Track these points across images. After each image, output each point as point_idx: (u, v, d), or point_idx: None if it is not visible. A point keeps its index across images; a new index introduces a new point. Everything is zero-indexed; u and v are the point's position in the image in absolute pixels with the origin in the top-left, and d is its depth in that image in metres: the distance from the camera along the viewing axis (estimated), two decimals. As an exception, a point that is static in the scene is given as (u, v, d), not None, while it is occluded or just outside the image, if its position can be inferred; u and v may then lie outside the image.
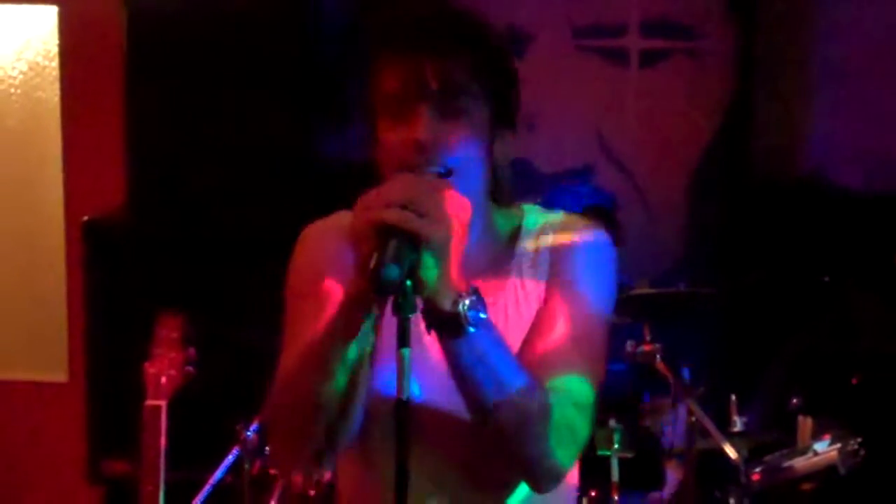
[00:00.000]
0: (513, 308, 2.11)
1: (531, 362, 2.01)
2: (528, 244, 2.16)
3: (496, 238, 2.16)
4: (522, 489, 2.11)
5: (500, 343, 1.94)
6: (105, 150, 5.35)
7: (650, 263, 5.27)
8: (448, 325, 1.88)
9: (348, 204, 1.98)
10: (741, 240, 5.39)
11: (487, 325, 1.89)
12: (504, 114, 2.11)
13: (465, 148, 2.02)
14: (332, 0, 5.34)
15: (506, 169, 2.14)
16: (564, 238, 2.16)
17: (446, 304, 1.85)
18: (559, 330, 2.06)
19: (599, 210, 4.67)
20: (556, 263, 2.13)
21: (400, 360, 1.76)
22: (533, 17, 5.32)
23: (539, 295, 2.12)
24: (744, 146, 5.46)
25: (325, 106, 5.22)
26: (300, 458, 2.09)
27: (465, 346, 1.89)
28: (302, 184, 5.14)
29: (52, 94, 5.44)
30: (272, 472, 3.99)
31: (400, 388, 1.76)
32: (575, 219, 2.22)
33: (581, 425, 2.03)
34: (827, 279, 5.02)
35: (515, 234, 2.18)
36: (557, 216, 2.22)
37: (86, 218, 5.24)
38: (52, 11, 5.42)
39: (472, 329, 1.87)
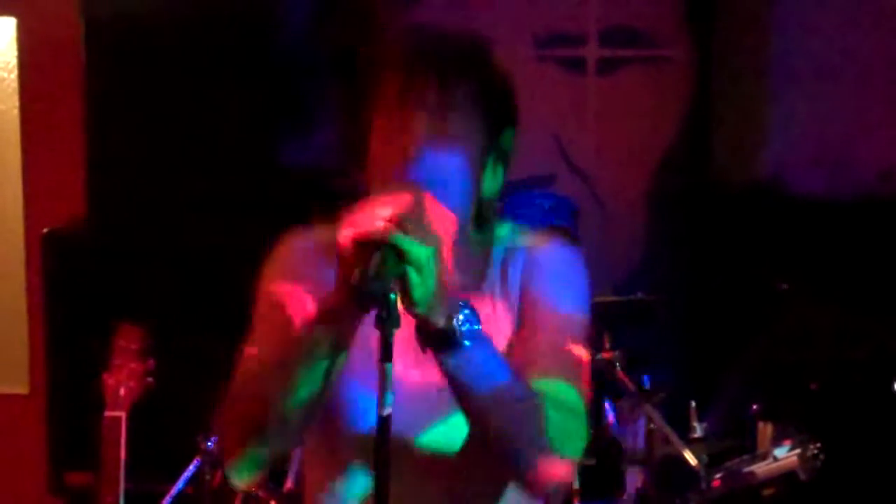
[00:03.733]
0: (486, 328, 2.12)
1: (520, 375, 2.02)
2: (497, 264, 2.18)
3: (469, 260, 2.15)
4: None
5: (494, 353, 1.95)
6: (65, 162, 5.33)
7: (609, 270, 5.28)
8: (443, 341, 1.88)
9: (316, 211, 1.99)
10: (701, 247, 5.41)
11: (482, 337, 1.90)
12: (497, 147, 2.12)
13: (450, 165, 2.02)
14: (293, 7, 5.33)
15: (492, 202, 2.16)
16: (531, 257, 2.17)
17: (440, 321, 1.86)
18: (541, 343, 2.08)
19: (560, 230, 4.67)
20: (525, 283, 2.15)
21: (382, 375, 1.77)
22: (492, 25, 5.33)
23: (512, 319, 2.13)
24: (703, 153, 5.48)
25: (290, 115, 5.22)
26: (250, 455, 2.08)
27: (462, 360, 1.89)
28: (265, 194, 5.14)
29: (10, 105, 5.42)
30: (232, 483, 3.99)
31: (381, 402, 1.77)
32: (541, 237, 2.24)
33: (579, 429, 2.04)
34: (786, 286, 5.04)
35: (486, 255, 2.18)
36: (525, 234, 2.23)
37: (46, 229, 5.22)
38: (11, 23, 5.40)
39: (467, 343, 1.88)
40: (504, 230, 2.22)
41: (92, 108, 5.25)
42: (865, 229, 5.25)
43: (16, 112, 5.43)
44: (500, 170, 2.14)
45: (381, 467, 1.78)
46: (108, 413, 3.81)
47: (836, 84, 5.38)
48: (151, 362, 3.89)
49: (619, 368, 4.22)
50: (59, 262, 5.19)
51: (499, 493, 2.10)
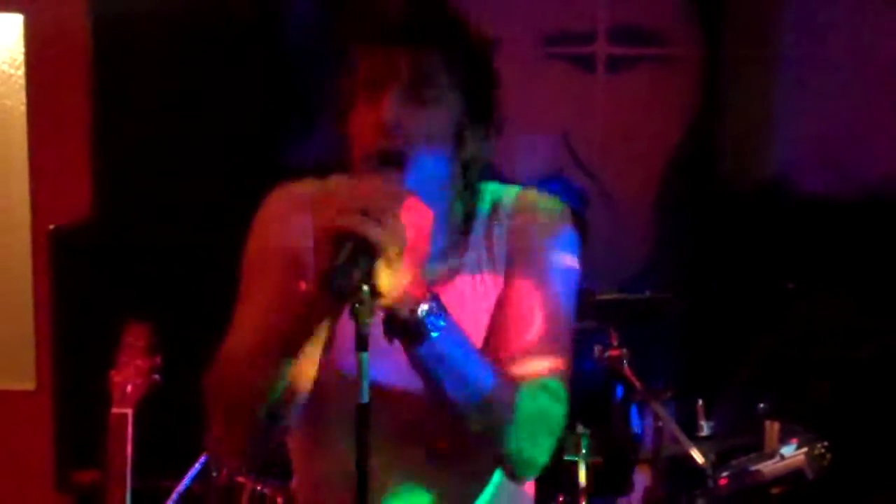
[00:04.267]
0: (471, 301, 2.12)
1: (498, 356, 2.02)
2: (483, 231, 2.16)
3: (452, 227, 2.15)
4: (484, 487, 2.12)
5: (463, 345, 1.94)
6: (71, 158, 5.33)
7: (617, 269, 5.28)
8: (408, 332, 1.88)
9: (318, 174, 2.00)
10: (707, 246, 5.40)
11: (449, 329, 1.90)
12: (478, 109, 2.11)
13: (430, 136, 2.02)
14: (299, 7, 5.33)
15: (476, 164, 2.14)
16: (521, 223, 2.16)
17: (404, 312, 1.86)
18: (523, 321, 2.07)
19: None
20: (513, 253, 2.14)
21: (359, 365, 1.77)
22: (501, 24, 5.33)
23: (498, 286, 2.12)
24: (710, 152, 5.47)
25: (295, 111, 5.22)
26: (239, 439, 2.07)
27: (428, 351, 1.89)
28: (269, 190, 5.13)
29: (18, 102, 5.42)
30: (239, 479, 3.99)
31: (360, 392, 1.77)
32: (531, 198, 2.23)
33: (555, 413, 2.04)
34: (792, 285, 5.03)
35: (469, 220, 2.18)
36: (512, 195, 2.22)
37: (52, 226, 5.22)
38: (18, 20, 5.39)
39: (434, 334, 1.87)
40: (489, 188, 2.21)
41: (98, 105, 5.25)
42: (871, 229, 5.25)
43: (23, 108, 5.42)
44: (482, 132, 2.13)
45: (361, 453, 1.79)
46: (114, 410, 3.82)
47: (842, 84, 5.38)
48: (158, 359, 3.89)
49: (626, 366, 4.22)
50: (65, 259, 5.19)
51: (479, 450, 2.09)
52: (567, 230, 2.18)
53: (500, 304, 2.11)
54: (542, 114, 5.34)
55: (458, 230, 2.16)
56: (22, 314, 5.47)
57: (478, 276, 2.13)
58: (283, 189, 2.24)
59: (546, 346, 2.05)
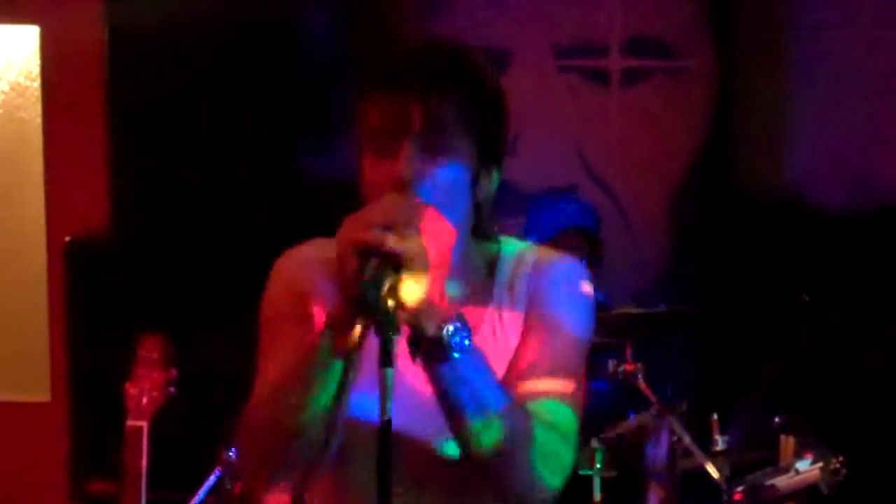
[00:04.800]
0: (491, 338, 2.12)
1: (514, 391, 2.02)
2: (505, 275, 2.17)
3: (474, 270, 2.16)
4: None
5: (484, 368, 1.95)
6: (87, 170, 5.34)
7: (632, 282, 5.28)
8: (432, 350, 1.89)
9: (331, 227, 1.99)
10: (723, 258, 5.40)
11: (472, 351, 1.90)
12: (490, 150, 2.10)
13: (447, 184, 2.02)
14: (315, 17, 5.34)
15: (488, 204, 2.14)
16: (540, 269, 2.17)
17: (430, 329, 1.86)
18: (540, 359, 2.08)
19: (581, 230, 4.67)
20: (533, 294, 2.14)
21: (383, 380, 1.77)
22: (514, 37, 5.33)
23: (517, 326, 2.13)
24: (725, 165, 5.47)
25: (310, 125, 5.23)
26: (275, 478, 2.08)
27: (450, 371, 1.90)
28: (287, 204, 5.14)
29: (34, 114, 5.44)
30: (254, 492, 3.99)
31: (382, 408, 1.77)
32: (548, 250, 2.26)
33: (565, 451, 2.04)
34: (807, 298, 5.02)
35: (493, 265, 2.18)
36: (532, 247, 2.24)
37: (68, 238, 5.24)
38: (34, 32, 5.41)
39: (456, 354, 1.88)
40: (512, 245, 2.22)
41: (115, 117, 5.26)
42: (887, 241, 5.24)
43: (39, 121, 5.44)
44: (494, 173, 2.13)
45: (383, 471, 1.79)
46: (130, 422, 3.82)
47: (858, 96, 5.37)
48: (174, 372, 3.89)
49: (641, 380, 4.21)
50: (81, 271, 5.20)
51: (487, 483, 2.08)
52: (586, 286, 2.19)
53: (519, 349, 2.11)
54: (555, 127, 5.35)
55: (481, 273, 2.17)
56: (37, 326, 5.48)
57: (498, 322, 2.13)
58: (293, 251, 2.24)
59: (559, 386, 2.06)
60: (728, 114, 5.45)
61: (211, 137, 5.18)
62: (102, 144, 5.29)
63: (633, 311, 4.54)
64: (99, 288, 5.16)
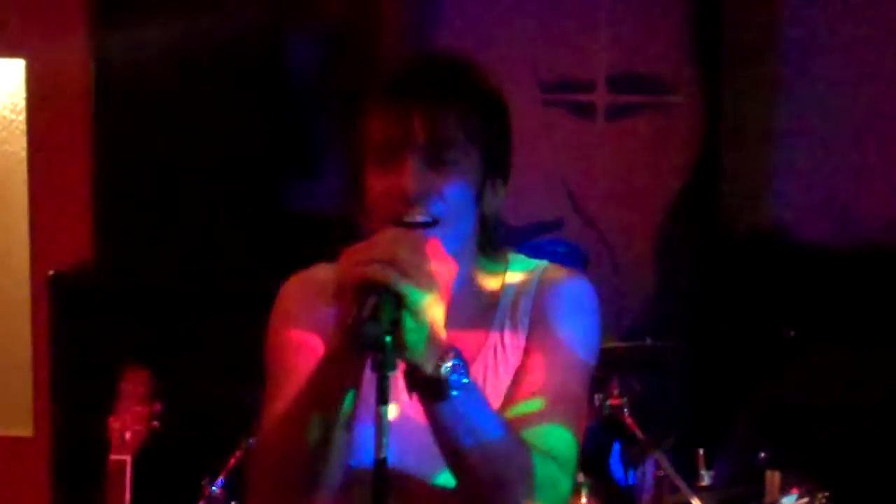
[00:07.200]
0: (492, 361, 2.11)
1: (513, 417, 2.00)
2: (511, 295, 2.15)
3: (481, 288, 2.15)
4: None
5: (482, 404, 1.93)
6: (72, 204, 5.33)
7: (618, 317, 5.28)
8: (430, 388, 1.86)
9: (322, 256, 1.98)
10: (708, 293, 5.40)
11: (470, 388, 1.88)
12: (495, 163, 2.10)
13: (452, 198, 2.02)
14: (299, 51, 5.35)
15: (495, 218, 2.14)
16: (544, 287, 2.15)
17: (428, 367, 1.84)
18: (541, 384, 2.06)
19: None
20: (537, 315, 2.13)
21: (379, 418, 1.75)
22: (500, 72, 5.33)
23: (520, 347, 2.11)
24: (711, 199, 5.48)
25: (294, 159, 5.23)
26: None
27: (447, 409, 1.88)
28: (270, 237, 5.14)
29: (19, 147, 5.42)
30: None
31: (378, 445, 1.75)
32: (557, 268, 2.22)
33: (563, 481, 2.02)
34: (793, 333, 5.03)
35: (499, 284, 2.17)
36: (541, 265, 2.21)
37: (52, 272, 5.21)
38: (20, 65, 5.40)
39: (454, 392, 1.86)
40: (521, 264, 2.21)
41: (100, 151, 5.25)
42: (872, 277, 5.25)
43: (23, 154, 5.43)
44: (500, 186, 2.13)
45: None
46: (113, 457, 3.80)
47: (843, 133, 5.38)
48: (157, 406, 3.88)
49: (626, 415, 4.21)
50: (65, 305, 5.18)
51: None
52: (591, 298, 2.18)
53: (519, 371, 2.10)
54: (541, 162, 5.35)
55: (487, 292, 2.16)
56: (20, 360, 5.45)
57: (500, 346, 2.12)
58: (298, 276, 2.23)
59: (560, 412, 2.04)
60: (715, 148, 5.46)
61: (196, 172, 5.17)
62: (87, 178, 5.28)
63: (619, 345, 4.53)
64: (83, 321, 5.14)
